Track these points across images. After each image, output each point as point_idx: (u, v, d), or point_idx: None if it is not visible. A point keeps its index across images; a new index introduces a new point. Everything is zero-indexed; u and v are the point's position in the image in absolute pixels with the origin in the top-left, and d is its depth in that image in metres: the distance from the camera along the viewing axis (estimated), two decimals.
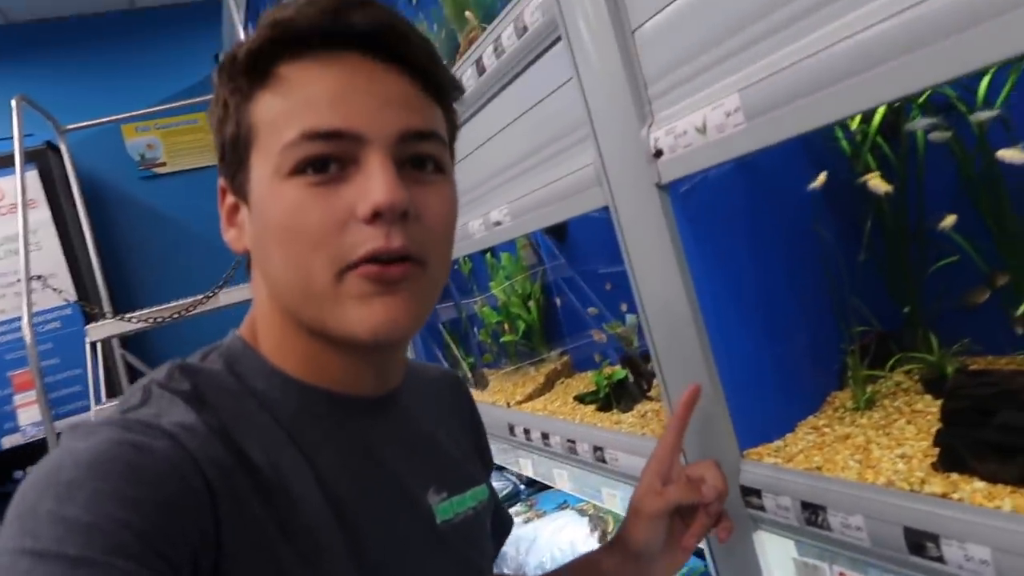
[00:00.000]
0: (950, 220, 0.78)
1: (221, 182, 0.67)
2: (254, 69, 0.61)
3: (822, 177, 0.90)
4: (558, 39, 1.13)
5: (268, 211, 0.61)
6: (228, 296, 2.90)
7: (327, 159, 0.59)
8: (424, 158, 0.63)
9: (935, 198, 0.90)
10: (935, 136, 0.81)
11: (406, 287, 0.61)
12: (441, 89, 0.66)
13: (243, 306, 3.57)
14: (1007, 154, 0.73)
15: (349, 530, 0.62)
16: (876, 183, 0.87)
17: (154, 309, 2.84)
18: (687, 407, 0.87)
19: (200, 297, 2.72)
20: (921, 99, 0.88)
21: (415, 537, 0.69)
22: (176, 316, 2.67)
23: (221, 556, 0.54)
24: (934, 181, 0.88)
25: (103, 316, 3.16)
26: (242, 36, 3.90)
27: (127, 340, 3.81)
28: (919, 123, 0.86)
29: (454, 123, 0.70)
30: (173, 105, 4.13)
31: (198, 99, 4.20)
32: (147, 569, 0.47)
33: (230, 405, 0.62)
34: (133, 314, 2.75)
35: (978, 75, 0.83)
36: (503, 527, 0.96)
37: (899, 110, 0.91)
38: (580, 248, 1.79)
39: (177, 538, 0.50)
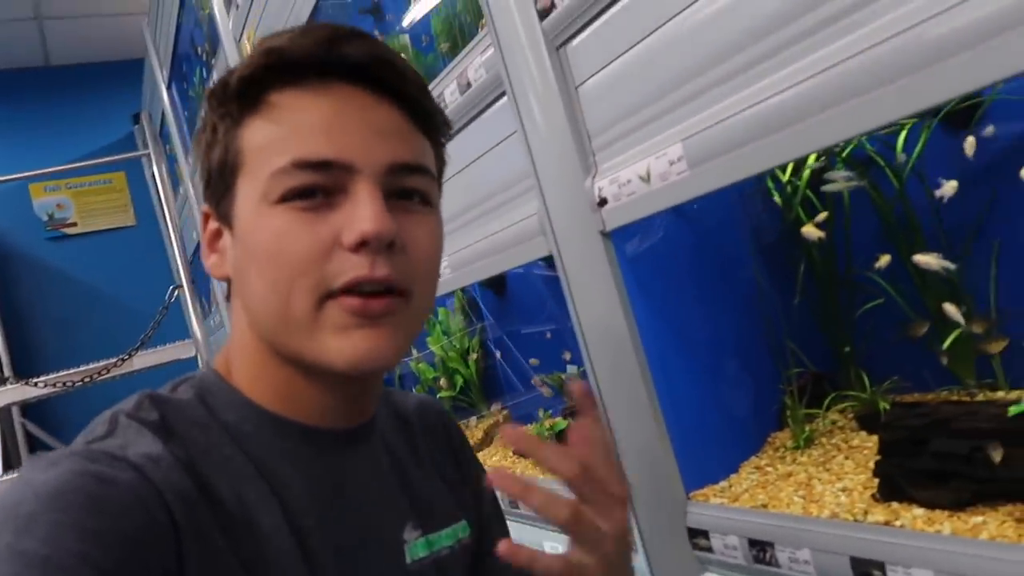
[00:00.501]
0: (884, 260, 0.84)
1: (205, 208, 0.67)
2: (245, 95, 0.61)
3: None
4: (502, 94, 1.17)
5: (252, 236, 0.60)
6: (143, 359, 2.78)
7: (315, 188, 0.59)
8: (411, 191, 0.63)
9: (861, 245, 0.97)
10: (840, 186, 0.88)
11: (389, 320, 0.60)
12: (431, 123, 0.67)
13: (160, 371, 3.42)
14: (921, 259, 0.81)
15: (314, 567, 0.61)
16: (809, 230, 0.93)
17: (63, 373, 2.68)
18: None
19: (114, 360, 2.58)
20: (844, 153, 0.95)
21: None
22: (86, 380, 2.52)
23: None
24: (860, 229, 0.95)
25: (3, 382, 2.96)
26: (165, 96, 3.85)
27: (28, 408, 3.57)
28: (838, 175, 0.92)
29: (442, 158, 0.71)
30: (83, 164, 4.01)
31: (113, 158, 4.10)
32: None
33: (199, 437, 0.61)
34: (39, 379, 2.59)
35: (895, 131, 0.90)
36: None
37: (825, 165, 0.98)
38: (519, 302, 1.80)
39: (138, 572, 0.49)
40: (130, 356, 2.61)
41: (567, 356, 1.49)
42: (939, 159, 0.89)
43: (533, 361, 1.56)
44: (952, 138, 0.89)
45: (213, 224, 0.66)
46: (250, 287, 0.62)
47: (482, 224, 1.34)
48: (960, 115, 0.87)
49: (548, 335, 1.62)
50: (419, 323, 0.67)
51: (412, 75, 0.64)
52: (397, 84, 0.63)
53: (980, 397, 0.86)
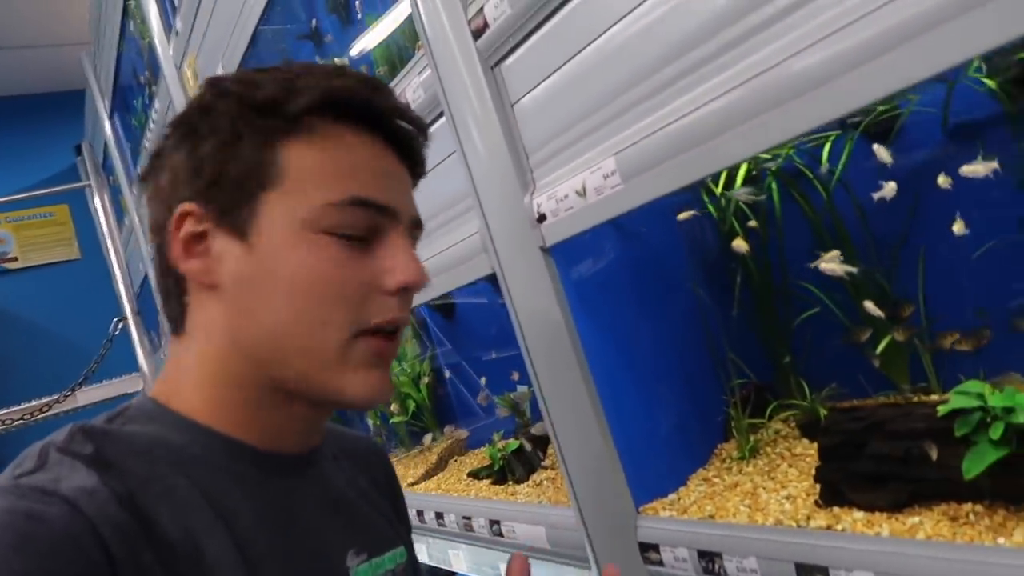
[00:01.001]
0: (833, 258, 0.85)
1: (189, 207, 0.62)
2: (293, 117, 0.61)
3: (687, 213, 0.96)
4: (441, 114, 1.17)
5: (284, 260, 0.60)
6: (87, 395, 2.68)
7: (366, 228, 0.62)
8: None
9: (794, 255, 0.99)
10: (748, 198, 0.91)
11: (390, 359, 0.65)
12: (420, 176, 0.72)
13: (106, 405, 3.29)
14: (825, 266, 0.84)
15: None
16: (738, 244, 0.94)
17: (3, 411, 2.57)
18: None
19: (55, 397, 2.49)
20: (775, 166, 0.97)
21: None
22: (25, 419, 2.43)
23: None
24: (793, 240, 0.96)
25: None
26: (107, 126, 3.77)
27: None
28: (740, 193, 0.95)
29: None
30: (21, 196, 3.89)
31: (52, 189, 4.00)
32: None
33: (138, 467, 0.58)
34: None
35: (820, 143, 0.93)
36: None
37: (757, 177, 1.00)
38: (468, 324, 1.80)
39: None
40: (72, 392, 2.51)
41: (515, 376, 1.48)
42: (863, 170, 0.92)
43: (483, 380, 1.55)
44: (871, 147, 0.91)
45: (196, 226, 0.62)
46: (265, 308, 0.61)
47: (426, 245, 1.32)
48: (880, 127, 0.89)
49: (496, 356, 1.61)
50: None
51: (428, 135, 0.70)
52: (415, 144, 0.68)
53: (915, 400, 0.88)
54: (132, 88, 3.34)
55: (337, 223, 0.60)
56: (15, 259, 4.70)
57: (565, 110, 0.93)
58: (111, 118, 3.80)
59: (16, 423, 2.45)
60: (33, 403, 2.61)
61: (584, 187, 0.90)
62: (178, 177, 0.63)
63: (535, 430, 1.45)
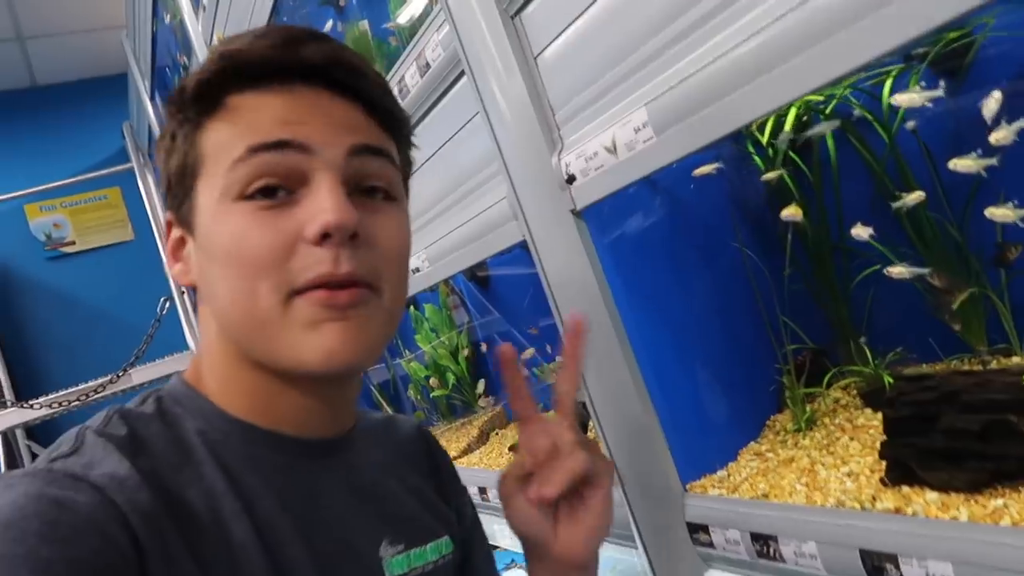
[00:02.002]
0: (861, 231, 0.76)
1: (167, 215, 0.65)
2: (203, 99, 0.60)
3: (707, 168, 0.87)
4: (462, 74, 1.10)
5: (213, 237, 0.59)
6: (141, 374, 2.73)
7: (276, 186, 0.57)
8: (375, 186, 0.61)
9: (853, 207, 0.89)
10: (821, 130, 0.80)
11: (358, 313, 0.58)
12: (395, 122, 0.65)
13: (158, 384, 3.36)
14: (958, 163, 0.72)
15: None
16: (790, 212, 0.84)
17: (60, 394, 2.64)
18: (507, 369, 0.69)
19: (109, 377, 2.54)
20: (828, 109, 0.87)
21: None
22: (82, 399, 2.48)
23: None
24: (851, 190, 0.87)
25: (3, 406, 2.92)
26: (149, 107, 3.80)
27: (33, 430, 3.54)
28: (821, 127, 0.84)
29: (408, 159, 0.69)
30: (74, 180, 3.95)
31: (97, 173, 4.06)
32: None
33: (170, 452, 0.58)
34: (35, 400, 2.55)
35: (880, 81, 0.82)
36: None
37: (808, 122, 0.90)
38: (504, 292, 1.74)
39: None
40: (126, 372, 2.55)
41: (550, 348, 1.42)
42: (931, 108, 0.81)
43: (528, 353, 1.48)
44: (945, 83, 0.81)
45: (176, 232, 0.64)
46: (215, 290, 0.60)
47: (455, 213, 1.27)
48: (950, 57, 0.78)
49: (540, 329, 1.55)
50: (391, 320, 0.63)
51: (373, 75, 0.63)
52: (357, 84, 0.61)
53: (993, 365, 0.78)
54: (169, 67, 3.35)
55: (245, 181, 0.57)
56: (72, 243, 4.81)
57: (591, 59, 0.85)
58: (152, 99, 3.83)
59: (73, 404, 2.50)
60: (90, 384, 2.67)
61: (614, 142, 0.82)
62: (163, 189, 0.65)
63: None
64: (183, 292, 3.62)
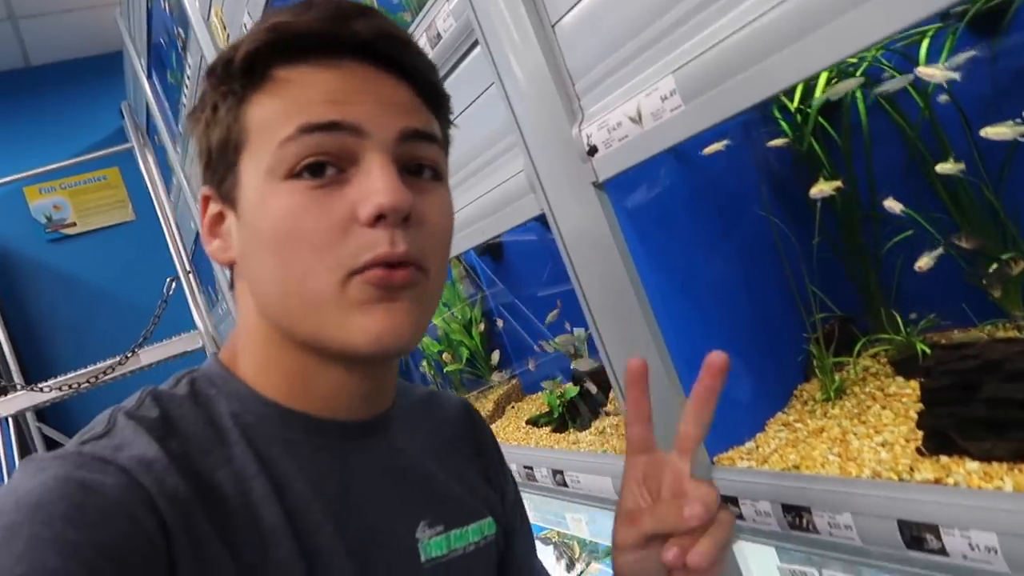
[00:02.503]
0: (892, 204, 0.75)
1: (205, 190, 0.63)
2: (250, 72, 0.59)
3: (717, 145, 0.85)
4: (475, 43, 1.07)
5: (261, 216, 0.57)
6: (149, 355, 2.73)
7: (324, 162, 0.56)
8: (422, 164, 0.60)
9: (885, 173, 0.87)
10: (849, 85, 0.77)
11: (408, 294, 0.57)
12: (438, 99, 0.65)
13: (169, 365, 3.38)
14: (991, 131, 0.70)
15: (316, 566, 0.58)
16: (821, 188, 0.82)
17: (68, 376, 2.64)
18: (637, 387, 0.66)
19: (118, 359, 2.53)
20: (859, 72, 0.84)
21: (390, 575, 0.63)
22: (91, 381, 2.48)
23: None
24: (883, 155, 0.85)
25: (12, 389, 2.93)
26: (146, 86, 3.75)
27: (43, 412, 3.55)
28: (847, 84, 0.81)
29: (447, 138, 0.69)
30: (73, 162, 3.92)
31: (96, 154, 4.02)
32: None
33: (200, 434, 0.59)
34: (45, 383, 2.55)
35: (915, 41, 0.80)
36: None
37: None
38: (518, 267, 1.72)
39: None
40: (134, 353, 2.55)
41: (568, 325, 1.41)
42: (968, 70, 0.79)
43: (552, 315, 1.46)
44: (982, 44, 0.79)
45: (214, 207, 0.63)
46: (260, 270, 0.59)
47: (470, 187, 1.25)
48: (989, 16, 0.76)
49: (554, 300, 1.54)
50: (435, 302, 0.64)
51: (418, 49, 0.62)
52: (405, 60, 0.61)
53: None
54: (166, 45, 3.29)
55: (294, 160, 0.56)
56: (73, 224, 4.78)
57: (613, 25, 0.83)
58: (149, 77, 3.77)
59: (83, 386, 2.50)
60: (98, 366, 2.67)
61: (639, 112, 0.80)
62: (198, 162, 0.64)
63: (578, 364, 1.37)
64: (189, 272, 3.60)
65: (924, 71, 0.72)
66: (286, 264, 0.56)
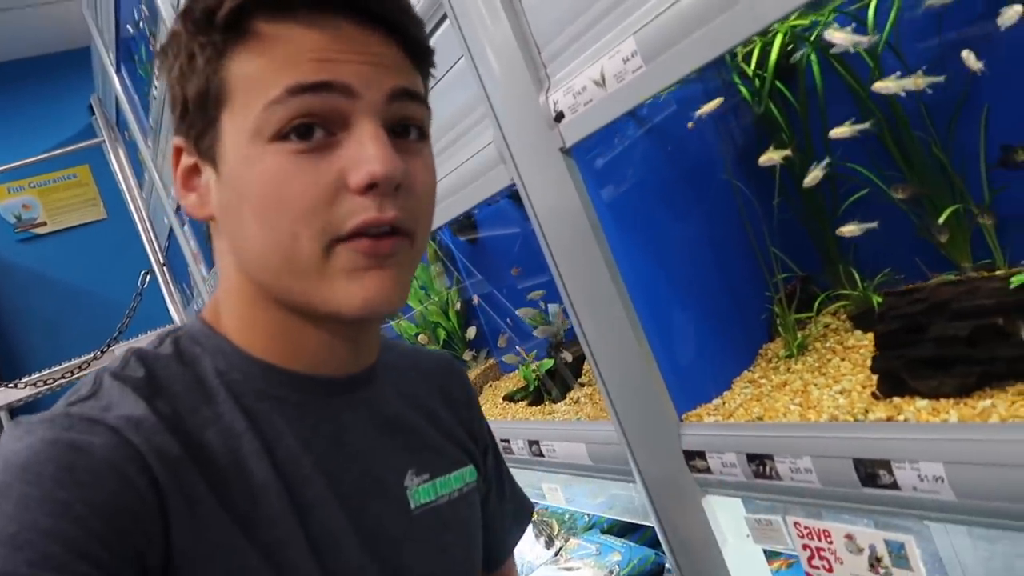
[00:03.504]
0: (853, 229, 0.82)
1: (178, 141, 0.61)
2: (232, 25, 0.56)
3: (713, 103, 0.88)
4: (444, 18, 1.09)
5: (246, 177, 0.56)
6: (124, 349, 2.70)
7: (312, 124, 0.55)
8: (409, 124, 0.60)
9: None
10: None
11: (395, 261, 0.58)
12: (424, 57, 0.64)
13: None
14: (879, 86, 0.76)
15: (310, 519, 0.59)
16: (770, 156, 0.85)
17: (42, 373, 2.61)
18: None
19: (92, 355, 2.52)
20: (812, 36, 0.87)
21: (383, 524, 0.65)
22: (67, 377, 2.46)
23: (174, 555, 0.51)
24: (837, 116, 0.88)
25: None
26: (115, 80, 3.71)
27: (15, 412, 3.51)
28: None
29: (427, 93, 0.68)
30: (41, 158, 3.86)
31: (65, 149, 3.97)
32: None
33: (187, 393, 0.59)
34: (20, 380, 2.52)
35: (864, 4, 0.83)
36: (521, 515, 0.92)
37: (792, 52, 0.91)
38: (493, 247, 1.74)
39: (112, 540, 0.48)
40: (109, 347, 2.54)
41: (536, 295, 1.43)
42: (914, 30, 0.82)
43: (536, 294, 1.48)
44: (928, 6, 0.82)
45: (188, 159, 0.61)
46: (244, 232, 0.58)
47: (441, 163, 1.26)
48: None
49: (523, 276, 1.56)
50: (418, 262, 0.65)
51: (405, 5, 0.61)
52: (393, 16, 0.59)
53: (980, 276, 0.80)
54: (135, 37, 3.26)
55: (282, 123, 0.55)
56: (44, 224, 4.71)
57: None
58: (118, 71, 3.73)
59: (58, 382, 2.49)
60: (73, 362, 2.65)
61: (603, 75, 0.82)
62: (169, 110, 0.63)
63: (539, 332, 1.40)
64: (164, 264, 3.57)
65: (833, 35, 0.75)
66: (270, 229, 0.56)
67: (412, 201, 0.59)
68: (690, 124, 0.95)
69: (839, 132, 0.82)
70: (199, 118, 0.59)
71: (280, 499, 0.58)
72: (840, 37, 0.75)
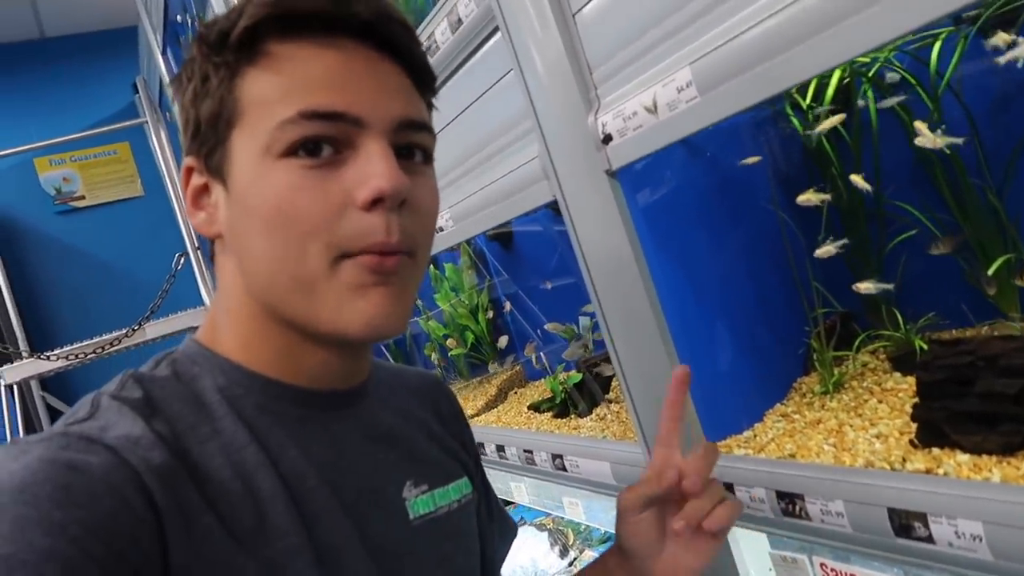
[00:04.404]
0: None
1: (189, 161, 0.62)
2: (245, 46, 0.58)
3: (752, 160, 0.88)
4: (495, 30, 1.09)
5: (255, 193, 0.57)
6: (155, 329, 2.76)
7: (321, 141, 0.56)
8: (414, 147, 0.62)
9: (892, 173, 0.89)
10: (885, 104, 0.80)
11: (397, 279, 0.59)
12: (429, 83, 0.66)
13: (172, 339, 3.40)
14: (924, 140, 0.74)
15: (317, 529, 0.60)
16: (808, 197, 0.84)
17: (75, 346, 2.66)
18: (678, 391, 0.75)
19: (125, 331, 2.56)
20: (871, 73, 0.86)
21: (385, 534, 0.66)
22: (98, 352, 2.51)
23: (173, 572, 0.51)
24: (890, 156, 0.87)
25: (19, 357, 2.95)
26: (160, 62, 3.76)
27: (47, 382, 3.59)
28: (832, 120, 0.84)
29: (431, 115, 0.70)
30: (84, 135, 3.93)
31: (109, 127, 4.04)
32: None
33: (184, 411, 0.59)
34: (52, 352, 2.57)
35: (927, 44, 0.82)
36: (506, 532, 0.92)
37: (849, 86, 0.89)
38: (527, 254, 1.74)
39: (109, 561, 0.47)
40: (140, 326, 2.58)
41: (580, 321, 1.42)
42: (978, 74, 0.81)
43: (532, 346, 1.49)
44: (993, 49, 0.80)
45: (199, 179, 0.62)
46: (251, 247, 0.59)
47: (483, 172, 1.27)
48: (1002, 21, 0.78)
49: (563, 289, 1.56)
50: (419, 284, 0.65)
51: (412, 33, 0.63)
52: (402, 42, 0.61)
53: None
54: (182, 19, 3.30)
55: (292, 143, 0.56)
56: (82, 197, 4.81)
57: (633, 16, 0.84)
58: (163, 53, 3.79)
59: (89, 356, 2.53)
60: (104, 337, 2.69)
61: (655, 102, 0.82)
62: (181, 132, 0.63)
63: (570, 353, 1.40)
64: (198, 248, 3.62)
65: (922, 138, 0.75)
66: (278, 244, 0.57)
67: (416, 219, 0.60)
68: (749, 160, 0.94)
69: (804, 199, 0.85)
70: (211, 137, 0.60)
71: (288, 509, 0.58)
72: (928, 139, 0.75)
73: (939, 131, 0.75)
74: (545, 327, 1.49)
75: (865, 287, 0.84)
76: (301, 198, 0.56)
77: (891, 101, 0.72)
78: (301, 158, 0.56)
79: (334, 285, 0.57)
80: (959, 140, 0.73)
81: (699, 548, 0.73)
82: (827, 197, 0.83)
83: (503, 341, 1.81)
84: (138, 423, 0.55)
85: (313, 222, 0.56)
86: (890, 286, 0.84)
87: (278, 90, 0.57)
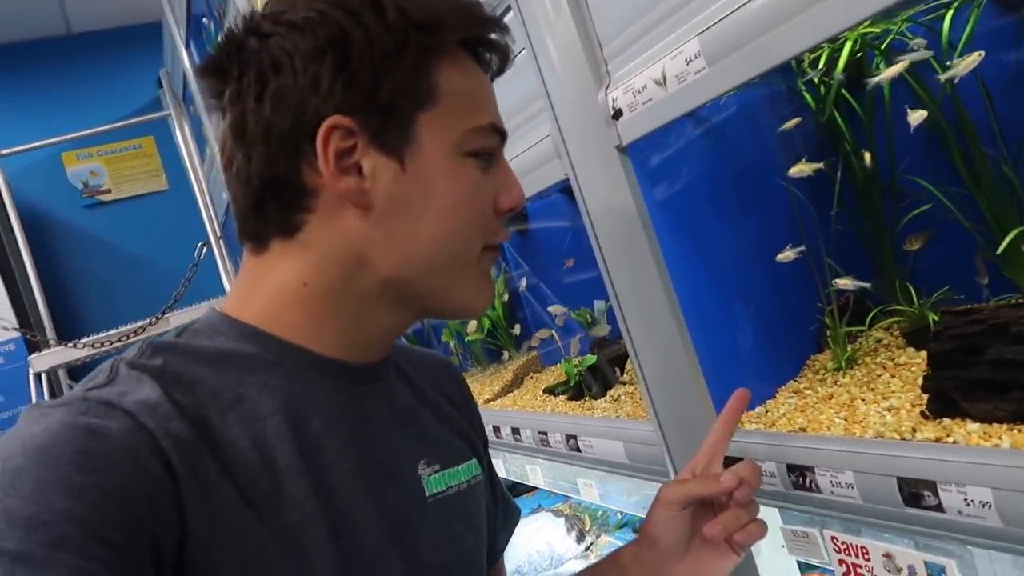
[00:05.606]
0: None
1: (343, 120, 0.59)
2: (442, 38, 0.63)
3: (794, 121, 0.87)
4: (508, 8, 1.09)
5: (444, 182, 0.63)
6: (178, 318, 2.80)
7: (493, 151, 0.68)
8: None
9: (905, 147, 0.88)
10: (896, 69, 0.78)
11: None
12: None
13: None
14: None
15: (332, 502, 0.61)
16: (801, 168, 0.85)
17: (101, 335, 2.71)
18: (733, 411, 0.80)
19: (148, 320, 2.60)
20: (883, 45, 0.85)
21: (402, 510, 0.67)
22: (122, 341, 2.55)
23: (189, 539, 0.52)
24: (903, 129, 0.86)
25: (47, 345, 3.02)
26: (184, 56, 3.81)
27: (74, 371, 3.65)
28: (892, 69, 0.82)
29: None
30: (109, 128, 3.99)
31: (132, 121, 4.10)
32: (90, 561, 0.46)
33: (206, 379, 0.60)
34: (79, 341, 2.63)
35: (940, 15, 0.81)
36: (509, 517, 0.92)
37: (861, 60, 0.89)
38: (543, 239, 1.75)
39: (127, 524, 0.49)
40: (164, 315, 2.62)
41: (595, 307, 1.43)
42: (993, 44, 0.80)
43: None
44: (1007, 18, 0.79)
45: (346, 141, 0.60)
46: (418, 224, 0.63)
47: None
48: None
49: (573, 271, 1.56)
50: None
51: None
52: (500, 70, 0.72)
53: None
54: (205, 14, 3.34)
55: (478, 148, 0.65)
56: (109, 191, 4.88)
57: None
58: (187, 47, 3.83)
59: (114, 345, 2.58)
60: (129, 326, 2.74)
61: (664, 75, 0.82)
62: (319, 85, 0.59)
63: (596, 331, 1.40)
64: (219, 238, 3.67)
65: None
66: (450, 231, 0.64)
67: None
68: (789, 123, 0.93)
69: (797, 170, 0.86)
70: (390, 110, 0.61)
71: (303, 480, 0.59)
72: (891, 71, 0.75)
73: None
74: (548, 309, 1.49)
75: (843, 283, 0.87)
76: (479, 195, 0.65)
77: (898, 63, 0.71)
78: (481, 160, 0.66)
79: (476, 270, 0.67)
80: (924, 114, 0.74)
81: (722, 558, 0.77)
82: (819, 166, 0.84)
83: (517, 329, 1.81)
84: (156, 390, 0.56)
85: (483, 216, 0.66)
86: (867, 284, 0.86)
87: (471, 96, 0.65)
